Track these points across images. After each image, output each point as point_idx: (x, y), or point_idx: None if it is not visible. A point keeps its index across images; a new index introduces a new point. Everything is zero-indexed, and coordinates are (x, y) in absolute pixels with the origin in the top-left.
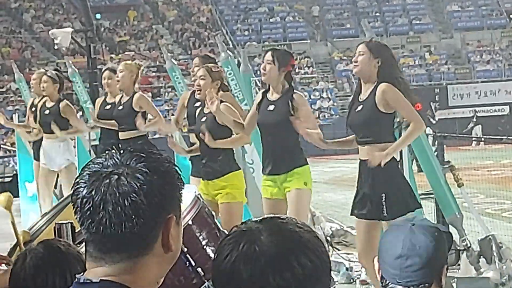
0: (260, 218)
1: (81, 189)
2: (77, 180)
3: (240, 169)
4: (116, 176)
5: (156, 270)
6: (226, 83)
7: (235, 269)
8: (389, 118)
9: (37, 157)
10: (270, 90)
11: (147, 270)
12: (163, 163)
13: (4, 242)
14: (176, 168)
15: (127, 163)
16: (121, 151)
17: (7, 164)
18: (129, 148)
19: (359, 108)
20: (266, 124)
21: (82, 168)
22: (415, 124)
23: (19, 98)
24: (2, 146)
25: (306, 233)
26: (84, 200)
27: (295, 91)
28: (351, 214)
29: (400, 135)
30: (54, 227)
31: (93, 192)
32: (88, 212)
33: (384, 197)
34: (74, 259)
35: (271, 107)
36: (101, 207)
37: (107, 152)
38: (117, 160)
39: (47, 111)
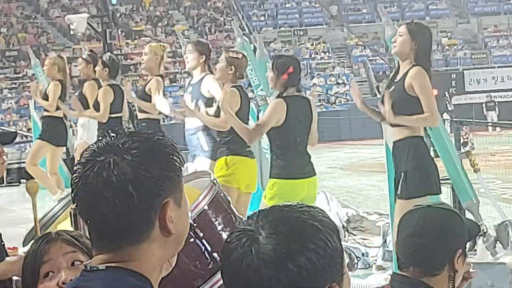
0: (258, 210)
1: (76, 180)
2: (74, 170)
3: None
4: (106, 165)
5: (160, 254)
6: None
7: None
8: (416, 102)
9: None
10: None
11: (150, 255)
12: (158, 145)
13: (20, 228)
14: (174, 148)
15: (119, 147)
16: (114, 136)
17: (23, 150)
18: (123, 132)
19: (392, 88)
20: None
21: (80, 156)
22: (430, 116)
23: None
24: (18, 131)
25: (310, 219)
26: (80, 192)
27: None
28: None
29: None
30: (70, 212)
31: (87, 183)
32: (85, 203)
33: (402, 176)
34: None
35: None
36: (95, 198)
37: (101, 137)
38: (109, 145)
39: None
